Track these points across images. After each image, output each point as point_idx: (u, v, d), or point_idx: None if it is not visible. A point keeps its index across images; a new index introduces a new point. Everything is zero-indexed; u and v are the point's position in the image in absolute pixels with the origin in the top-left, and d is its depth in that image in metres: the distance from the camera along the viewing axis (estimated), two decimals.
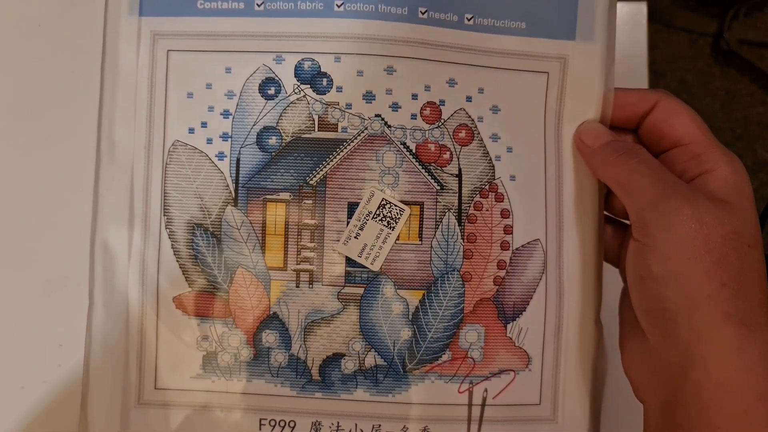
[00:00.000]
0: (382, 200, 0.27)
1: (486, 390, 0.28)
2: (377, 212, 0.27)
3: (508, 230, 0.28)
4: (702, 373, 0.23)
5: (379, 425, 0.27)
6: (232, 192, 0.27)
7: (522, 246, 0.28)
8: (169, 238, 0.27)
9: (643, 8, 0.40)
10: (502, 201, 0.28)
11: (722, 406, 0.23)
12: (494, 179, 0.28)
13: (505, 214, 0.28)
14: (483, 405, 0.28)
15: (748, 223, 0.25)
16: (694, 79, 0.54)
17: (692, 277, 0.24)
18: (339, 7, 0.27)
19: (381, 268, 0.27)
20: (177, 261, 0.27)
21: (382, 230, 0.27)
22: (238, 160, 0.27)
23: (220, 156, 0.27)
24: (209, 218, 0.27)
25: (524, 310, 0.28)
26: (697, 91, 0.54)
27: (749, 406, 0.23)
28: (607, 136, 0.27)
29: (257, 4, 0.27)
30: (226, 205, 0.27)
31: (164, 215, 0.27)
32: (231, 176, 0.27)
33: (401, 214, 0.27)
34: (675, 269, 0.24)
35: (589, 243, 0.28)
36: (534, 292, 0.28)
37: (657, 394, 0.25)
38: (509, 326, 0.28)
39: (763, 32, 0.55)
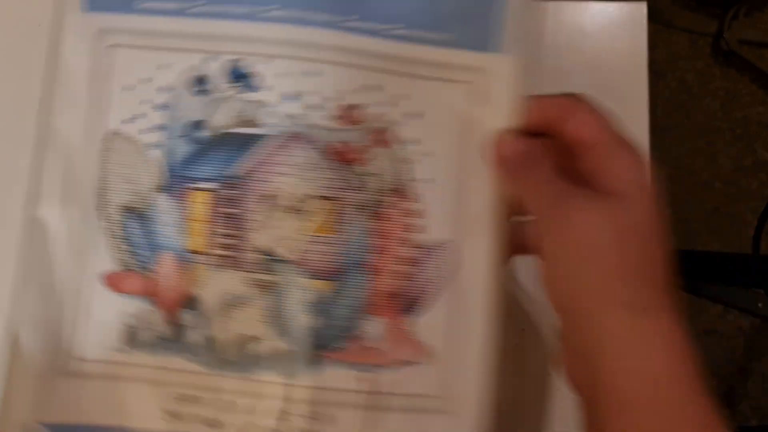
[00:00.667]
0: (300, 195, 0.29)
1: (386, 381, 0.29)
2: (294, 206, 0.29)
3: (417, 229, 0.30)
4: (612, 363, 0.25)
5: (285, 407, 0.29)
6: (163, 180, 0.29)
7: (430, 245, 0.30)
8: (102, 219, 0.30)
9: (643, 8, 0.40)
10: (415, 201, 0.30)
11: (635, 393, 0.25)
12: (408, 181, 0.30)
13: (416, 214, 0.30)
14: (383, 395, 0.29)
15: (645, 214, 0.26)
16: (694, 79, 0.56)
17: (589, 276, 0.26)
18: (270, 12, 0.29)
19: (295, 258, 0.29)
20: (108, 241, 0.30)
21: (297, 223, 0.29)
22: (169, 151, 0.30)
23: (154, 146, 0.30)
24: (140, 203, 0.30)
25: (427, 306, 0.30)
26: (697, 91, 0.55)
27: (659, 389, 0.25)
28: (512, 146, 0.29)
29: (193, 6, 0.29)
30: (157, 192, 0.29)
31: (98, 198, 0.30)
32: (162, 165, 0.30)
33: (317, 209, 0.29)
34: (572, 272, 0.26)
35: (495, 247, 0.30)
36: (439, 289, 0.30)
37: (584, 390, 0.27)
38: (410, 320, 0.30)
39: (763, 32, 0.55)
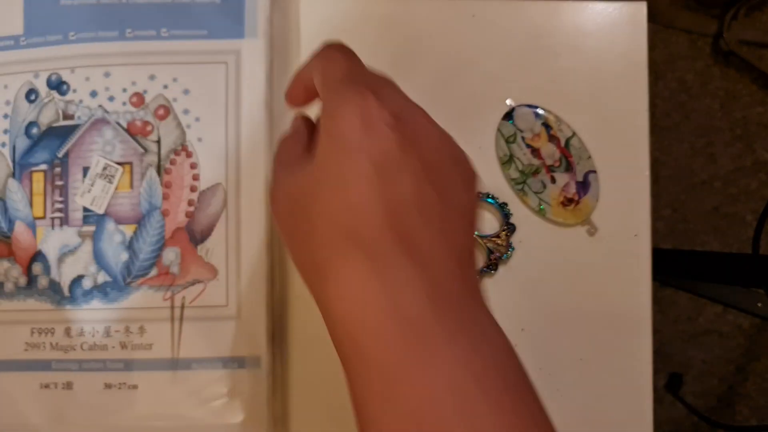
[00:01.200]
0: (105, 164, 0.39)
1: (184, 296, 0.38)
2: (102, 173, 0.39)
3: (195, 177, 0.38)
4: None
5: (109, 326, 0.38)
6: (11, 168, 0.40)
7: (207, 188, 0.38)
8: None
9: (642, 8, 0.40)
10: (191, 157, 0.39)
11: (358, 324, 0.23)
12: (185, 142, 0.39)
13: (193, 166, 0.39)
14: (182, 307, 0.38)
15: (312, 171, 0.25)
16: (693, 79, 0.55)
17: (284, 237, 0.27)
18: (72, 36, 0.40)
19: (106, 211, 0.38)
20: None
21: (105, 185, 0.39)
22: (14, 146, 0.40)
23: (2, 145, 0.40)
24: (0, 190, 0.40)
25: (210, 235, 0.38)
26: (696, 91, 0.55)
27: (381, 322, 0.23)
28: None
29: (22, 40, 0.40)
30: (8, 178, 0.39)
31: None
32: (9, 158, 0.40)
33: (117, 172, 0.39)
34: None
35: (260, 184, 0.38)
36: (217, 221, 0.38)
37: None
38: (199, 247, 0.38)
39: (763, 33, 0.55)
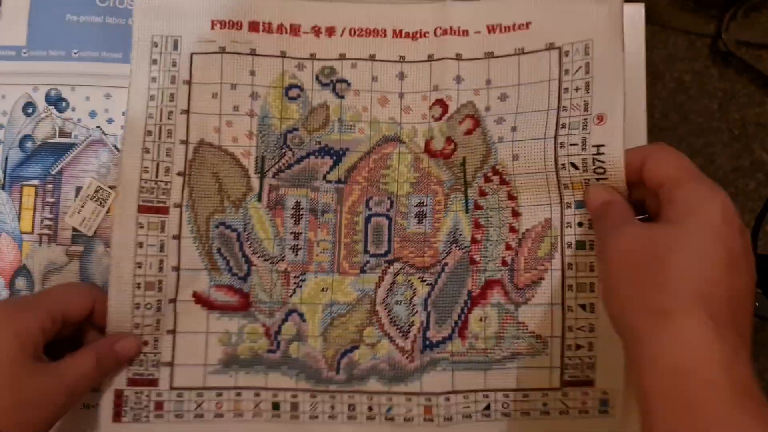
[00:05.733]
0: (97, 186, 0.39)
1: None
2: (93, 195, 0.39)
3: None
4: (644, 365, 0.28)
5: None
6: (1, 180, 0.39)
7: None
8: None
9: (641, 9, 0.41)
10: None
11: (661, 393, 0.27)
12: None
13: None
14: None
15: (673, 232, 0.29)
16: (692, 79, 0.54)
17: (619, 286, 0.30)
18: (75, 54, 0.40)
19: (95, 233, 0.39)
20: None
21: (96, 207, 0.39)
22: (6, 158, 0.40)
23: None
24: None
25: None
26: (695, 91, 0.53)
27: (680, 387, 0.26)
28: (604, 197, 0.34)
29: (24, 52, 0.40)
30: None
31: None
32: (0, 169, 0.40)
33: (109, 197, 0.39)
34: (608, 285, 0.31)
35: None
36: None
37: (638, 398, 0.29)
38: None
39: (762, 33, 0.54)
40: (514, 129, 0.37)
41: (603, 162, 0.34)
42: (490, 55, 0.38)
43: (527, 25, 0.38)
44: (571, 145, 0.35)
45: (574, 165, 0.35)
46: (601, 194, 0.34)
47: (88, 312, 0.35)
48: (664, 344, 0.27)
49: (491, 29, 0.38)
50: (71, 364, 0.33)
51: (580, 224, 0.36)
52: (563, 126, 0.36)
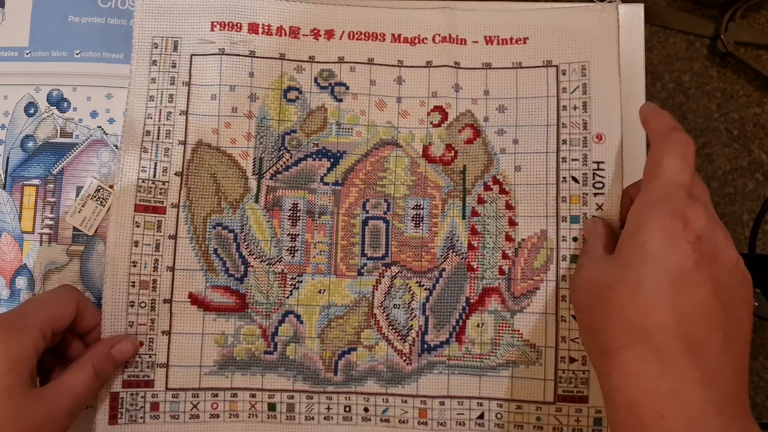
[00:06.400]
0: (98, 186, 0.39)
1: None
2: (94, 194, 0.39)
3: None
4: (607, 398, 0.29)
5: None
6: (2, 179, 0.40)
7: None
8: None
9: (639, 10, 0.41)
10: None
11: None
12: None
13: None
14: None
15: (612, 267, 0.30)
16: (690, 80, 0.54)
17: (581, 324, 0.33)
18: (77, 54, 0.40)
19: (96, 233, 0.39)
20: None
21: (96, 207, 0.39)
22: (7, 158, 0.40)
23: None
24: None
25: None
26: (693, 92, 0.54)
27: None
28: (587, 229, 0.36)
29: (26, 53, 0.40)
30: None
31: None
32: (2, 169, 0.40)
33: (110, 196, 0.39)
34: (580, 323, 0.33)
35: None
36: None
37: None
38: None
39: (760, 34, 0.55)
40: (516, 142, 0.38)
41: (603, 177, 0.36)
42: (488, 66, 0.39)
43: (524, 40, 0.38)
44: (572, 160, 0.37)
45: (575, 179, 0.36)
46: (586, 226, 0.35)
47: (74, 317, 0.34)
48: (613, 382, 0.27)
49: (489, 40, 0.39)
50: (69, 381, 0.32)
51: (575, 239, 0.37)
52: (564, 142, 0.37)
